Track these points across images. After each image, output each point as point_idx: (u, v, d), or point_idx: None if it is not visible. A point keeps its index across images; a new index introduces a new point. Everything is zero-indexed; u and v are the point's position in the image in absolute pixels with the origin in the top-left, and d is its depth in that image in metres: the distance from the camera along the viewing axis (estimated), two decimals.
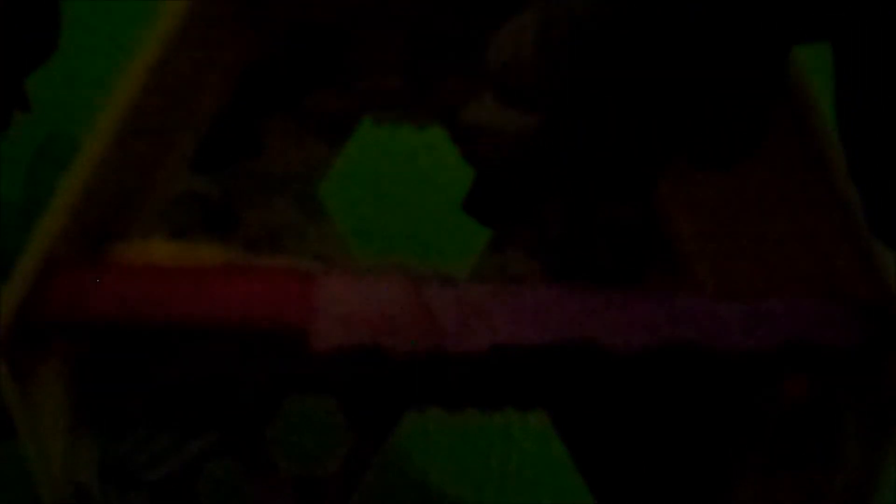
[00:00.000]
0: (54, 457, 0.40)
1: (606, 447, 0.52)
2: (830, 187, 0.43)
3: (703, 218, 0.50)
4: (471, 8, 0.47)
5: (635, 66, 0.27)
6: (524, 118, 0.36)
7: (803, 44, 0.27)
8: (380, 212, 0.67)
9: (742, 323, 0.42)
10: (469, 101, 0.41)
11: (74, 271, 0.39)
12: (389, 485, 0.63)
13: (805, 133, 0.43)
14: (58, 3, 0.49)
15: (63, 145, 0.58)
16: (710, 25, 0.25)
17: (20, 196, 0.59)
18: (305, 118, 0.52)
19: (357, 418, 0.50)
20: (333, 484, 0.50)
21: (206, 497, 0.47)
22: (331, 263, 0.43)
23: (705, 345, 0.41)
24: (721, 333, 0.41)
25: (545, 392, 0.51)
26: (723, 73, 0.27)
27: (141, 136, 0.42)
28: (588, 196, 0.46)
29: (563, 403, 0.52)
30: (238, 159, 0.50)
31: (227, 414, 0.48)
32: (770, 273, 0.47)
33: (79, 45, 0.60)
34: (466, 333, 0.40)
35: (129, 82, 0.40)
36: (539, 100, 0.30)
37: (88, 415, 0.42)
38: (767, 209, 0.47)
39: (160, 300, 0.39)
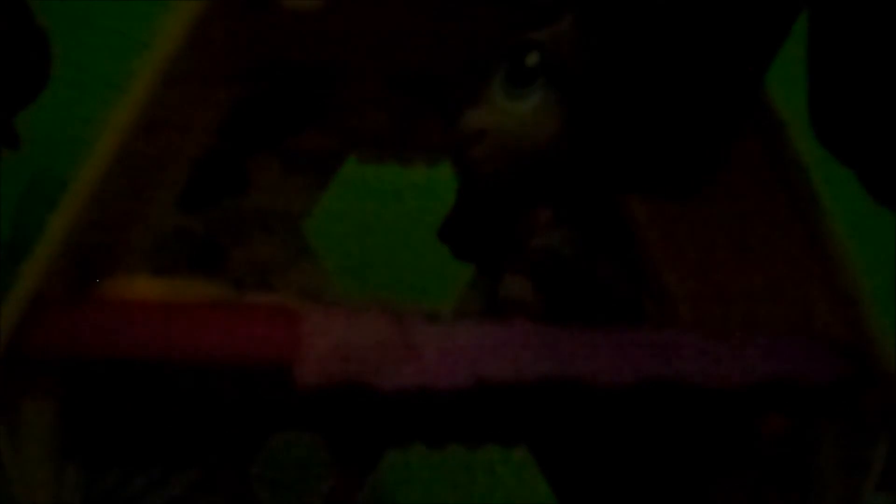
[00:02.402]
0: (40, 490, 0.40)
1: (588, 482, 0.52)
2: (809, 230, 0.44)
3: (687, 259, 0.51)
4: (452, 49, 0.47)
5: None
6: (536, 122, 0.37)
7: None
8: (364, 249, 0.67)
9: (724, 361, 0.42)
10: (467, 109, 0.41)
11: (62, 308, 0.39)
12: None
13: (784, 178, 0.44)
14: (48, 43, 0.50)
15: (51, 184, 0.58)
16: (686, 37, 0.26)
17: (8, 233, 0.59)
18: (291, 157, 0.52)
19: (341, 454, 0.50)
20: None
21: None
22: (316, 300, 0.43)
23: (687, 382, 0.41)
24: (703, 371, 0.42)
25: (528, 428, 0.51)
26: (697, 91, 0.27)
27: (129, 175, 0.42)
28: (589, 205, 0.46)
29: (546, 439, 0.52)
30: (224, 197, 0.51)
31: (212, 449, 0.48)
32: (751, 312, 0.47)
33: (68, 83, 0.61)
34: (450, 370, 0.40)
35: (117, 122, 0.41)
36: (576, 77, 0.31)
37: (74, 449, 0.42)
38: (748, 251, 0.47)
39: (147, 337, 0.39)
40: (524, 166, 0.36)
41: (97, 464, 0.44)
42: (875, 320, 0.43)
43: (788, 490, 0.46)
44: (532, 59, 0.37)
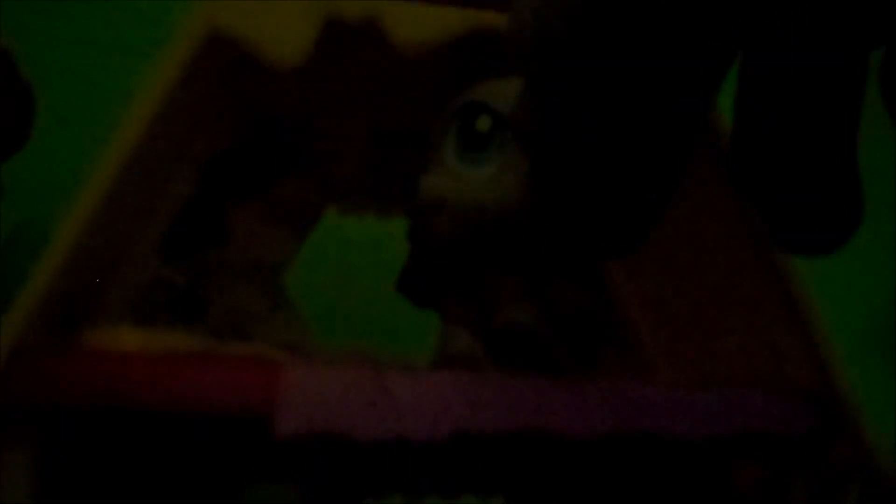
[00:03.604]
0: None
1: None
2: (777, 278, 0.45)
3: (656, 305, 0.52)
4: (432, 103, 0.48)
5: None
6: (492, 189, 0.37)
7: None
8: (344, 300, 0.67)
9: (695, 412, 0.43)
10: (426, 172, 0.40)
11: (43, 357, 0.40)
12: None
13: (752, 229, 0.45)
14: (32, 95, 0.50)
15: (34, 233, 0.59)
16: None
17: None
18: (271, 208, 0.53)
19: None
20: None
21: None
22: (295, 351, 0.44)
23: (659, 433, 0.42)
24: (674, 422, 0.42)
25: (505, 479, 0.51)
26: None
27: (112, 225, 0.43)
28: (550, 275, 0.46)
29: (523, 490, 0.52)
30: (205, 247, 0.51)
31: (188, 501, 0.48)
32: (720, 359, 0.48)
33: (51, 134, 0.61)
34: (428, 420, 0.40)
35: (100, 172, 0.41)
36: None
37: (52, 498, 0.42)
38: (718, 299, 0.48)
39: (127, 387, 0.39)
40: (485, 235, 0.36)
41: None
42: (843, 370, 0.43)
43: None
44: (484, 123, 0.37)
